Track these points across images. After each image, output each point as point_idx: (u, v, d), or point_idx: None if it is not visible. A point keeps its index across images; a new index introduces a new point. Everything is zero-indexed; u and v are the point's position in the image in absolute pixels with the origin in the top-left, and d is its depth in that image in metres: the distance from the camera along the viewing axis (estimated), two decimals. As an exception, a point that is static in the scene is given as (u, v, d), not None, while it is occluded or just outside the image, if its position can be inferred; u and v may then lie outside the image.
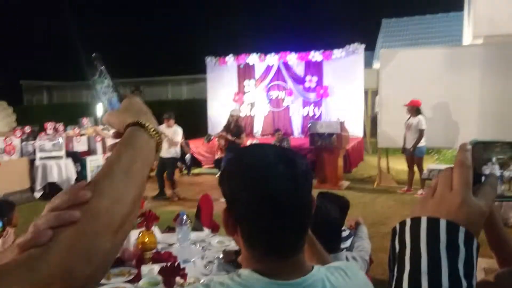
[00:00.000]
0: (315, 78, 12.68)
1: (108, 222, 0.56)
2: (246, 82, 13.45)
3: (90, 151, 9.26)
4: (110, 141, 8.26)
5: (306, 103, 12.99)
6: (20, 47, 28.54)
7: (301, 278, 0.80)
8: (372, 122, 12.39)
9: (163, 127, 7.26)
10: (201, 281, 2.34)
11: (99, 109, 12.11)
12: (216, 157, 10.08)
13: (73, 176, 8.41)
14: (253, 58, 13.26)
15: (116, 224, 0.57)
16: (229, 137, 8.04)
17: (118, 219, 0.58)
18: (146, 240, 2.60)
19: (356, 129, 11.74)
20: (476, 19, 6.85)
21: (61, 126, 9.68)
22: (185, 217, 2.79)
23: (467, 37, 9.16)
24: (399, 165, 9.24)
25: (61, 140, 8.43)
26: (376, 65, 11.92)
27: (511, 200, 0.62)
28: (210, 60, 13.86)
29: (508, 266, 0.82)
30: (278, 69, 13.13)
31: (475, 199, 0.54)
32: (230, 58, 13.52)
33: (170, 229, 3.26)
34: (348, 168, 9.48)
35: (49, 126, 9.36)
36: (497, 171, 0.58)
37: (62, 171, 8.17)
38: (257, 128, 13.34)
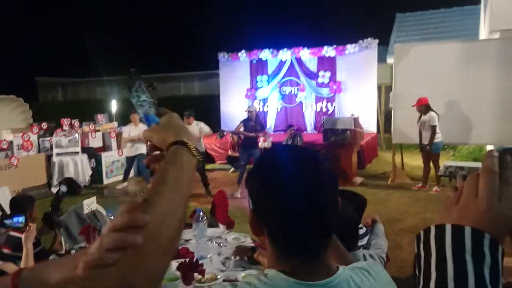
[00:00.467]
0: (328, 74, 12.61)
1: (162, 243, 0.61)
2: (258, 78, 13.45)
3: (105, 147, 9.39)
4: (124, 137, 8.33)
5: (319, 99, 12.94)
6: (35, 45, 28.85)
7: (327, 279, 0.81)
8: (386, 118, 12.28)
9: None
10: (218, 276, 2.37)
11: (113, 106, 12.24)
12: (229, 153, 10.11)
13: (89, 172, 8.53)
14: (265, 54, 13.22)
15: (167, 244, 0.62)
16: (248, 133, 7.81)
17: (169, 239, 0.62)
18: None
19: (370, 124, 11.68)
20: (493, 13, 6.72)
21: (77, 122, 9.82)
22: (201, 213, 2.82)
23: (484, 32, 9.01)
24: (414, 161, 9.15)
25: (77, 136, 8.54)
26: (390, 60, 11.76)
27: None
28: (222, 56, 13.88)
29: None
30: (291, 64, 13.08)
31: (501, 206, 0.54)
32: (242, 54, 13.51)
33: (186, 226, 3.29)
34: (362, 164, 9.45)
35: (65, 122, 9.51)
36: None
37: (78, 166, 8.29)
38: (270, 124, 13.31)
